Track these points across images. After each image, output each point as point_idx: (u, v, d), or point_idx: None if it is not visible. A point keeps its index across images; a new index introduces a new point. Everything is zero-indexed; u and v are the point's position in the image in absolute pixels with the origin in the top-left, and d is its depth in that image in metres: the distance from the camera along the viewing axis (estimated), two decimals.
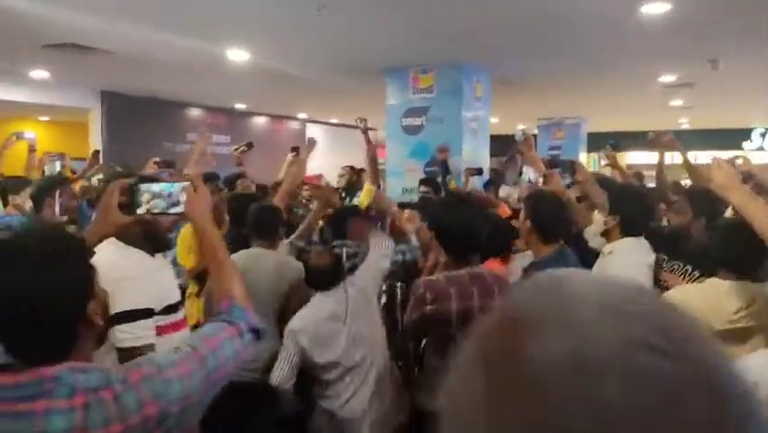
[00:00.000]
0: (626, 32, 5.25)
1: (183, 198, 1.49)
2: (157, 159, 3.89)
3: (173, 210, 1.50)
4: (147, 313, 1.82)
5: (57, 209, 3.18)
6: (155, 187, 1.52)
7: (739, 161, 2.74)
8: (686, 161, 4.24)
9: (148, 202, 1.50)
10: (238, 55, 6.21)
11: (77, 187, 4.99)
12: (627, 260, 2.55)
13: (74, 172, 5.55)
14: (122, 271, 1.72)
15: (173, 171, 3.87)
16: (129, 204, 1.50)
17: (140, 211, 1.51)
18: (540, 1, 4.42)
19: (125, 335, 1.78)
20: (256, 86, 8.44)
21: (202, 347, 1.24)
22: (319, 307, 2.53)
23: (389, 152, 7.17)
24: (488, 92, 7.27)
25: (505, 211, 4.56)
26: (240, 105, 11.41)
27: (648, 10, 4.48)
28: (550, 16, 4.81)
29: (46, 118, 11.55)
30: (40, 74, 7.49)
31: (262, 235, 2.99)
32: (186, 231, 3.17)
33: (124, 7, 4.63)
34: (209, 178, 4.16)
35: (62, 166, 5.43)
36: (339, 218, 3.20)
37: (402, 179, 6.83)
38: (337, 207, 3.55)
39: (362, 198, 4.22)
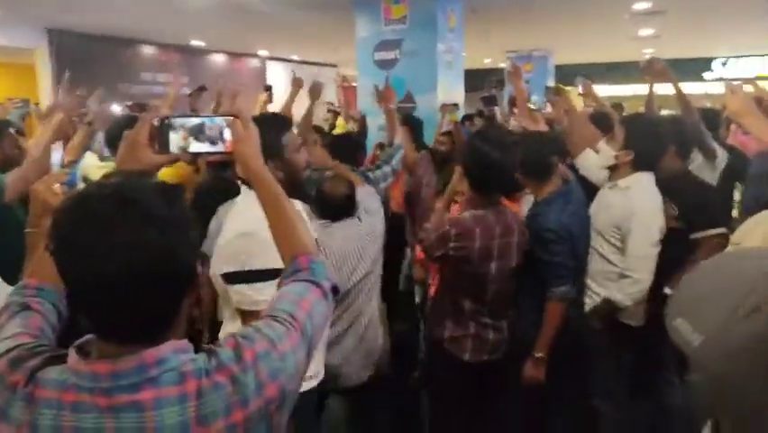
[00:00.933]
0: None
1: (227, 135, 1.25)
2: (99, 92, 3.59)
3: (215, 149, 1.25)
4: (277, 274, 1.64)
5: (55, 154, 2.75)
6: (192, 121, 1.25)
7: (749, 87, 2.66)
8: (679, 92, 4.11)
9: (184, 139, 1.25)
10: None
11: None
12: (648, 196, 2.48)
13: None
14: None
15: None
16: (160, 141, 1.24)
17: (174, 150, 1.25)
18: None
19: (246, 297, 1.64)
20: (214, 20, 7.98)
21: (299, 314, 1.04)
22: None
23: (361, 89, 6.91)
24: (461, 22, 7.00)
25: None
26: (196, 42, 10.83)
27: None
28: None
29: None
30: None
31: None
32: (168, 170, 2.92)
33: None
34: None
35: (26, 114, 4.98)
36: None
37: (378, 117, 6.61)
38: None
39: None
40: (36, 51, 8.58)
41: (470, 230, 2.24)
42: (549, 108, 3.40)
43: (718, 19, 8.63)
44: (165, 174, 2.97)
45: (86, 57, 8.83)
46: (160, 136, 1.24)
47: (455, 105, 5.82)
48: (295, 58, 13.37)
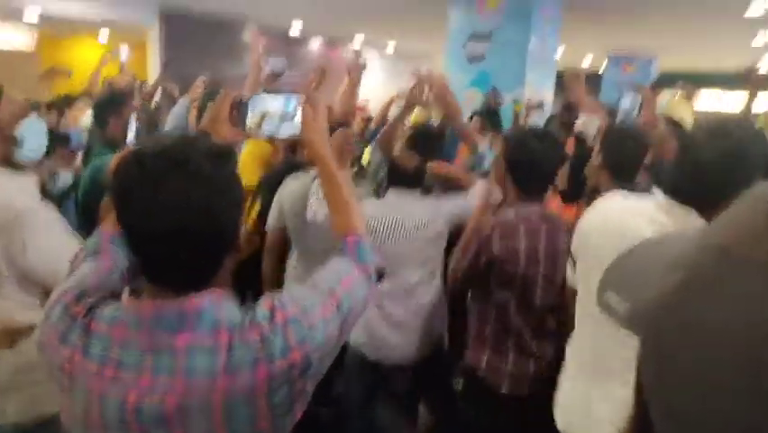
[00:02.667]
0: None
1: (298, 118, 1.32)
2: (203, 78, 3.74)
3: (286, 129, 1.34)
4: None
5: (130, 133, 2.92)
6: (270, 101, 1.35)
7: None
8: None
9: (262, 118, 1.34)
10: None
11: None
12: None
13: None
14: None
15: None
16: (239, 118, 1.34)
17: (249, 127, 1.35)
18: None
19: None
20: (315, 2, 8.15)
21: (338, 288, 1.08)
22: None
23: (452, 82, 6.86)
24: (558, 15, 6.77)
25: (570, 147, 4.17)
26: (296, 27, 11.16)
27: None
28: None
29: (104, 41, 11.60)
30: None
31: None
32: (252, 148, 3.07)
33: None
34: None
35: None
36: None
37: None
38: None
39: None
40: (148, 31, 9.14)
41: (514, 227, 2.09)
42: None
43: None
44: (247, 153, 3.13)
45: (192, 37, 9.32)
46: (238, 113, 1.34)
47: (540, 103, 5.67)
48: (390, 44, 13.46)
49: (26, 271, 1.63)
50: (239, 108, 1.34)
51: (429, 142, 2.71)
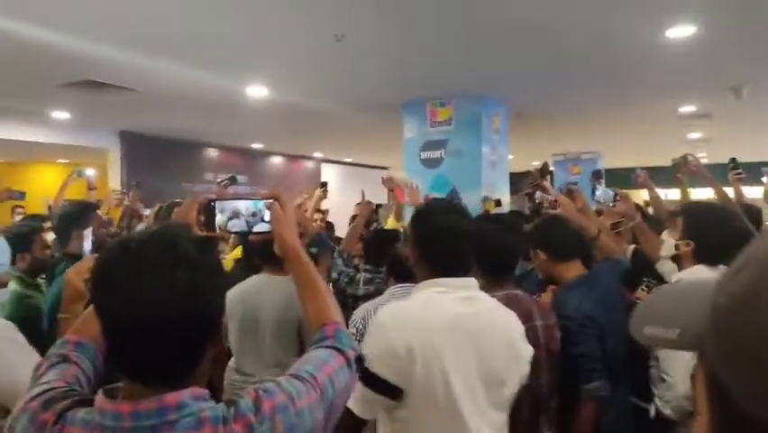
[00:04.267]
0: (648, 60, 5.21)
1: (267, 216, 1.37)
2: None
3: (258, 228, 1.38)
4: None
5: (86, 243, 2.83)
6: (238, 204, 1.40)
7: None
8: (717, 189, 3.95)
9: (229, 219, 1.38)
10: (257, 91, 6.24)
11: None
12: None
13: None
14: None
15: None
16: (207, 220, 1.37)
17: (218, 229, 1.38)
18: (559, 28, 4.38)
19: None
20: (273, 124, 8.49)
21: (321, 376, 1.07)
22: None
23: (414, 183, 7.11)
24: (505, 125, 7.23)
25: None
26: (256, 145, 11.48)
27: (673, 34, 4.43)
28: (571, 45, 4.78)
29: (65, 161, 11.68)
30: (60, 114, 7.58)
31: (270, 261, 2.88)
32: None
33: (143, 43, 4.66)
34: None
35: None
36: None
37: None
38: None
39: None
40: (108, 152, 9.27)
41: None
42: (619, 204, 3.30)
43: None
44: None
45: (153, 158, 9.48)
46: (206, 216, 1.37)
47: (498, 200, 5.91)
48: (347, 160, 13.93)
49: None
50: (206, 211, 1.37)
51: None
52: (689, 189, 4.33)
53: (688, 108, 7.66)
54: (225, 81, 5.83)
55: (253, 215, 1.38)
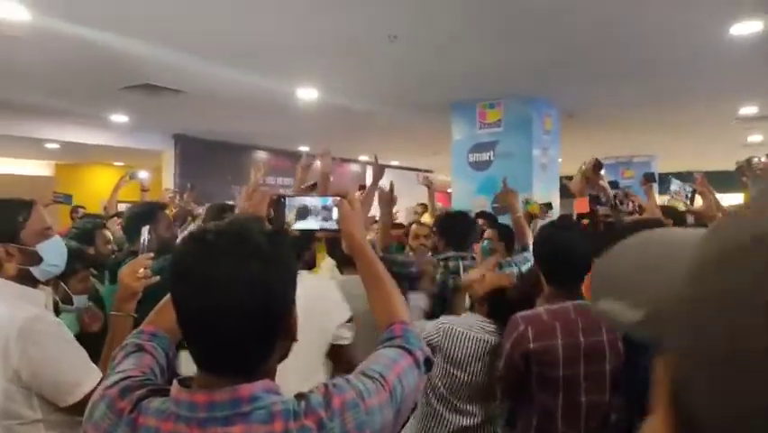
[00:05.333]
0: (709, 57, 5.03)
1: (335, 214, 1.38)
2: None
3: (326, 225, 1.39)
4: None
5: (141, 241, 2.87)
6: (307, 200, 1.41)
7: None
8: None
9: (298, 215, 1.39)
10: (307, 93, 6.30)
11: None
12: None
13: None
14: None
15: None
16: (276, 217, 1.39)
17: (298, 226, 1.40)
18: (616, 23, 4.27)
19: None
20: (321, 126, 8.56)
21: (390, 376, 1.06)
22: None
23: (455, 190, 7.06)
24: (557, 126, 7.09)
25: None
26: (303, 148, 11.60)
27: (738, 30, 4.26)
28: (626, 41, 4.66)
29: (121, 163, 12.06)
30: (118, 117, 7.84)
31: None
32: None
33: (197, 47, 4.77)
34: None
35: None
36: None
37: None
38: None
39: None
40: (163, 154, 9.53)
41: (548, 326, 1.99)
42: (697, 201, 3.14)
43: None
44: None
45: (205, 161, 9.69)
46: (276, 212, 1.38)
47: (548, 204, 5.78)
48: (394, 163, 13.93)
49: (30, 383, 1.59)
50: (276, 206, 1.38)
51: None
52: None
53: (749, 110, 7.37)
54: (276, 84, 5.91)
55: (323, 210, 1.39)
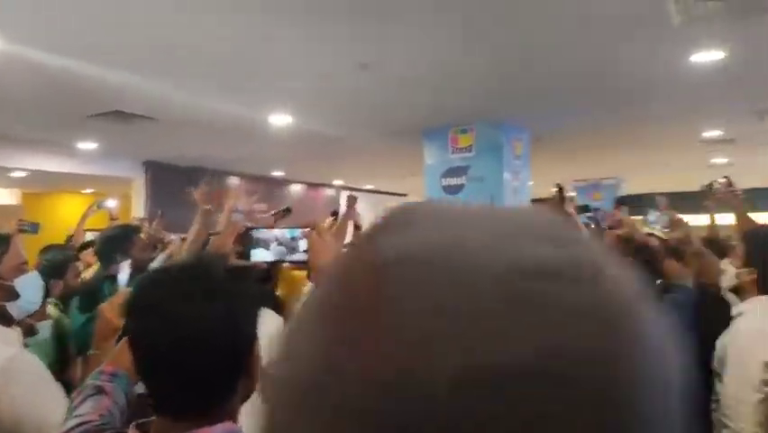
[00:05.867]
0: (671, 84, 5.18)
1: (303, 245, 1.37)
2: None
3: (294, 257, 1.39)
4: None
5: (122, 275, 2.79)
6: (274, 233, 1.41)
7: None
8: (742, 219, 3.74)
9: (265, 248, 1.39)
10: (280, 119, 6.30)
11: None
12: (756, 325, 1.98)
13: None
14: None
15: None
16: (243, 250, 1.38)
17: (255, 258, 1.39)
18: (583, 51, 4.39)
19: None
20: (295, 151, 8.56)
21: None
22: None
23: None
24: (527, 150, 7.21)
25: None
26: (277, 173, 11.57)
27: (699, 59, 4.41)
28: (592, 69, 4.78)
29: (90, 190, 11.86)
30: (87, 145, 7.72)
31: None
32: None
33: (169, 73, 4.75)
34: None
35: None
36: None
37: None
38: None
39: None
40: (133, 182, 9.40)
41: None
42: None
43: None
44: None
45: (176, 187, 9.57)
46: (243, 245, 1.38)
47: None
48: (368, 187, 13.97)
49: (10, 425, 1.53)
50: (243, 239, 1.37)
51: None
52: (715, 216, 4.22)
53: (712, 133, 7.59)
54: (249, 110, 5.90)
55: (291, 242, 1.38)
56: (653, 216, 3.92)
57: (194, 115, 6.10)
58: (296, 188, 12.79)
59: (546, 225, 0.30)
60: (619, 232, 2.84)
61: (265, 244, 1.41)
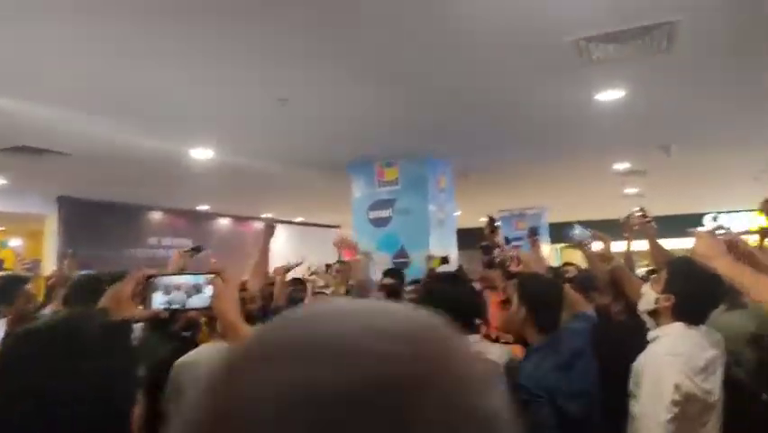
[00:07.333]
0: (580, 121, 5.45)
1: (209, 291, 1.33)
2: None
3: (196, 304, 1.34)
4: None
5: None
6: (177, 279, 1.35)
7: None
8: (654, 247, 3.93)
9: (168, 294, 1.33)
10: (202, 153, 6.18)
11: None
12: (671, 349, 2.04)
13: None
14: None
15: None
16: (144, 297, 1.32)
17: (156, 306, 1.33)
18: (498, 93, 4.56)
19: None
20: (220, 185, 8.40)
21: None
22: None
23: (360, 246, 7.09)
24: (451, 183, 7.37)
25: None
26: (202, 207, 11.30)
27: (603, 97, 4.67)
28: (507, 107, 4.97)
29: (0, 228, 11.19)
30: None
31: None
32: None
33: (82, 107, 4.58)
34: None
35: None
36: None
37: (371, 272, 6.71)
38: None
39: None
40: (46, 219, 8.94)
41: None
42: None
43: (701, 176, 9.05)
44: None
45: (92, 223, 9.18)
46: (144, 293, 1.32)
47: (445, 258, 5.95)
48: (298, 220, 13.85)
49: None
50: (145, 288, 1.32)
51: None
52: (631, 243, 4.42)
53: (622, 165, 8.01)
54: (169, 144, 5.77)
55: (194, 289, 1.35)
56: (578, 229, 4.05)
57: (110, 150, 5.90)
58: (223, 222, 12.52)
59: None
60: (517, 269, 2.90)
61: (166, 290, 1.36)
